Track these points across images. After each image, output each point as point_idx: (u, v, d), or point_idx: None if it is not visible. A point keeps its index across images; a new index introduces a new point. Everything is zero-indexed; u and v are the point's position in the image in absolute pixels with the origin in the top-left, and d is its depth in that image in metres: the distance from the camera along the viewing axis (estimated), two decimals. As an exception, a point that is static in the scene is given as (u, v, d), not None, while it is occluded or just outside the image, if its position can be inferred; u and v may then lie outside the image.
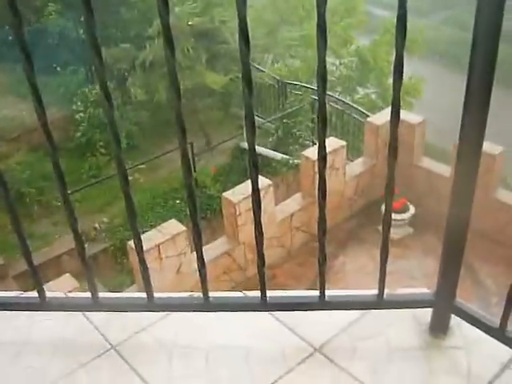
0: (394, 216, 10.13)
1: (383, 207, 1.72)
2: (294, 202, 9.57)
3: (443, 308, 1.92)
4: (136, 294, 1.91)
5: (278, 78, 14.24)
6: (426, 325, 1.96)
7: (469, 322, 1.89)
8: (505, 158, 9.24)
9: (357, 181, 10.09)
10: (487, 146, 8.73)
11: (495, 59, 1.38)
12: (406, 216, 9.64)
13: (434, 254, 6.95)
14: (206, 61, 12.67)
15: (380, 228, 1.79)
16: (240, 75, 1.39)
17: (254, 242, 1.64)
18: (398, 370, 1.82)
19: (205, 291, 1.72)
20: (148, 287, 1.75)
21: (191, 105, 12.38)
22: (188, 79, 11.93)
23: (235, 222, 8.57)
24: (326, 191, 1.60)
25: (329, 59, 15.78)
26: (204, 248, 1.67)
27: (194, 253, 1.70)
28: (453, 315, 1.92)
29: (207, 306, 1.77)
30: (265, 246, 1.66)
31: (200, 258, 1.68)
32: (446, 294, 1.86)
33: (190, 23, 12.52)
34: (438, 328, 1.95)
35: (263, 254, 1.68)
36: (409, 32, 1.37)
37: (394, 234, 9.62)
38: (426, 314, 1.96)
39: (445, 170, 9.46)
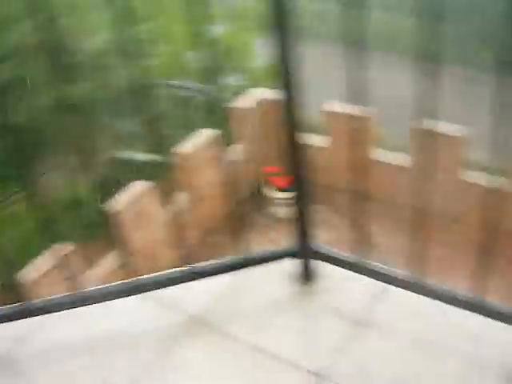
0: (281, 195, 10.40)
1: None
2: (179, 201, 9.59)
3: (306, 255, 2.03)
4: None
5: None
6: (295, 275, 2.06)
7: (333, 264, 2.04)
8: (373, 117, 9.62)
9: (235, 168, 10.21)
10: (354, 109, 9.05)
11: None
12: (293, 194, 9.80)
13: (326, 226, 7.17)
14: (63, 74, 12.41)
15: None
16: (101, 82, 1.43)
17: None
18: (276, 323, 1.92)
19: (74, 287, 1.76)
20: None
21: (58, 122, 12.09)
22: (47, 97, 11.65)
23: (122, 232, 8.51)
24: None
25: (188, 53, 15.82)
26: (98, 264, 1.70)
27: (88, 271, 1.74)
28: (317, 261, 2.06)
29: (82, 300, 1.80)
30: (158, 250, 1.70)
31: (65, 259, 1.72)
32: (306, 241, 1.99)
33: (38, 39, 12.21)
34: (306, 275, 2.06)
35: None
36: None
37: (284, 213, 9.82)
38: (293, 265, 2.06)
39: (318, 140, 9.77)
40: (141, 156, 12.57)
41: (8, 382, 1.82)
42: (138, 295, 1.91)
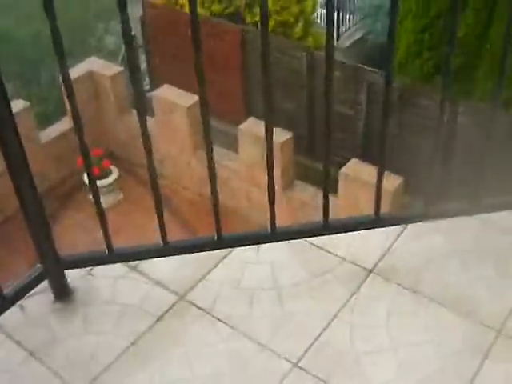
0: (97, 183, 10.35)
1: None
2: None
3: (55, 269, 2.27)
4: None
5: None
6: (53, 298, 2.35)
7: (85, 266, 2.40)
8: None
9: (57, 145, 9.33)
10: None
11: None
12: (109, 181, 9.05)
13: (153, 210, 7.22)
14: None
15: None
16: None
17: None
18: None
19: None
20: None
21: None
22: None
23: None
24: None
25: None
26: None
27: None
28: (70, 271, 2.33)
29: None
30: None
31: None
32: (49, 255, 2.21)
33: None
34: (63, 293, 2.35)
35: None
36: None
37: (104, 203, 9.68)
38: (47, 289, 2.33)
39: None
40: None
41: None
42: None
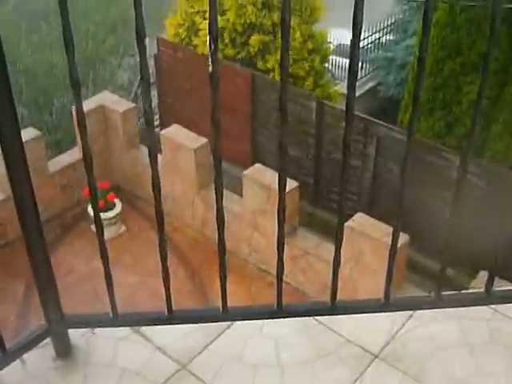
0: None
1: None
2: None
3: (59, 329, 2.25)
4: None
5: None
6: (55, 356, 2.31)
7: (89, 327, 2.37)
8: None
9: (64, 175, 9.60)
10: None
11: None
12: (112, 214, 9.82)
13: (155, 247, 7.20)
14: None
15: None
16: None
17: None
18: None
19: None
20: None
21: None
22: None
23: None
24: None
25: None
26: None
27: None
28: (73, 330, 2.30)
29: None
30: None
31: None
32: (54, 314, 2.18)
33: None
34: (68, 344, 2.33)
35: None
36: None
37: (105, 235, 9.68)
38: (50, 346, 2.29)
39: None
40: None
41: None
42: None
